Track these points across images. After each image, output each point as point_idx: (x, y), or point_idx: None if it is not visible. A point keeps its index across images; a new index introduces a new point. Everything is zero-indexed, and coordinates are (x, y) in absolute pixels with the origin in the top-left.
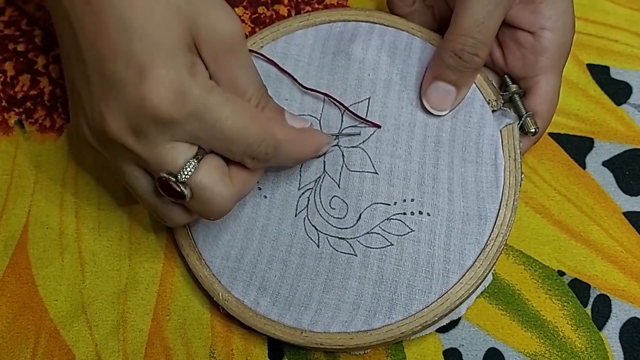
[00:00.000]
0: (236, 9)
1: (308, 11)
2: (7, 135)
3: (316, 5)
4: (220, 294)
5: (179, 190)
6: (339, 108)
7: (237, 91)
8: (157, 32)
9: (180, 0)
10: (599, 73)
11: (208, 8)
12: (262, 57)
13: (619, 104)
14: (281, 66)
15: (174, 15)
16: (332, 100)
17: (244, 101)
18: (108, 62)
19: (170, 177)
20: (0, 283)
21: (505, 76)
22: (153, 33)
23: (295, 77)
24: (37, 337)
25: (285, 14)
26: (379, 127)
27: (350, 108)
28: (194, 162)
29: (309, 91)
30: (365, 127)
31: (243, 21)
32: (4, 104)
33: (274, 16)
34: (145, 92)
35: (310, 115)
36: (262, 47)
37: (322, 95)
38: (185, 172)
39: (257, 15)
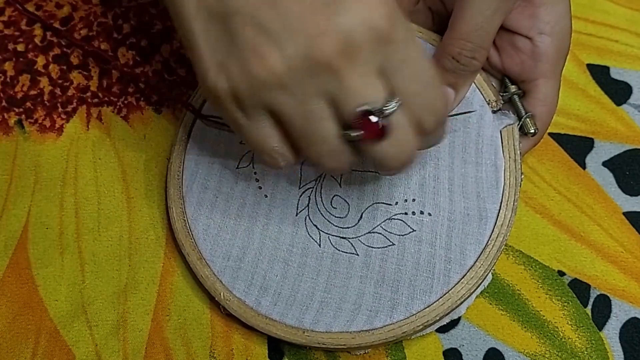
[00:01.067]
0: None
1: None
2: (7, 135)
3: None
4: (222, 293)
5: (380, 125)
6: None
7: None
8: None
9: None
10: (599, 73)
11: None
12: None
13: (619, 104)
14: None
15: None
16: None
17: None
18: None
19: (373, 109)
20: (0, 283)
21: (505, 77)
22: None
23: None
24: (37, 337)
25: None
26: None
27: None
28: (397, 100)
29: None
30: None
31: None
32: (4, 104)
33: None
34: (368, 9)
35: None
36: None
37: None
38: (389, 108)
39: None
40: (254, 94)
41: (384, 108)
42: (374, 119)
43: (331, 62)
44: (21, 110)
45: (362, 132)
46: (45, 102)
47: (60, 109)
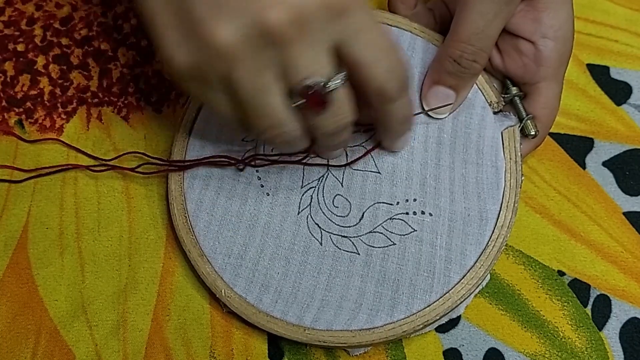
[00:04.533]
0: None
1: None
2: (7, 135)
3: None
4: (223, 290)
5: (322, 98)
6: None
7: None
8: None
9: None
10: (599, 73)
11: None
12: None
13: (619, 104)
14: None
15: None
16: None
17: None
18: None
19: (317, 84)
20: (0, 283)
21: (506, 79)
22: None
23: None
24: (37, 337)
25: None
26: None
27: None
28: (343, 76)
29: None
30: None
31: None
32: (4, 104)
33: None
34: None
35: None
36: None
37: None
38: (336, 82)
39: None
40: (209, 66)
41: (328, 84)
42: (317, 92)
43: (281, 31)
44: (21, 110)
45: (305, 100)
46: (45, 102)
47: (60, 109)
